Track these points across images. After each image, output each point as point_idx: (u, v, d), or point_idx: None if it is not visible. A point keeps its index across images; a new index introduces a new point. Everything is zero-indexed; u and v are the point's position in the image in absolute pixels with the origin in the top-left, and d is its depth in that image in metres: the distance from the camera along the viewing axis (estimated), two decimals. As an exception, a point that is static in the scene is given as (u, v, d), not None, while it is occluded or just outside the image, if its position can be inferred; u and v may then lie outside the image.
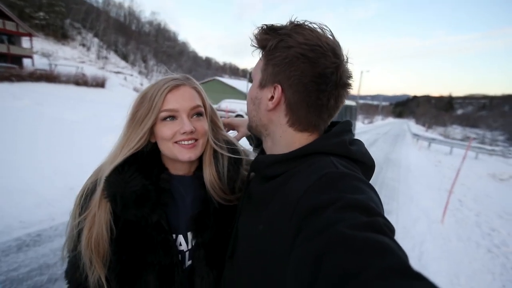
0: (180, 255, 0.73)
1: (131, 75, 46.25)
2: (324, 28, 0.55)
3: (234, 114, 13.96)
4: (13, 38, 24.37)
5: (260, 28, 0.58)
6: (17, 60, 23.43)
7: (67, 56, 37.39)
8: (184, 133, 0.68)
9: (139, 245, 0.68)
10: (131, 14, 70.04)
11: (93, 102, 13.98)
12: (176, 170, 0.77)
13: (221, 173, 0.77)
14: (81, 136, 6.21)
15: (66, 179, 3.87)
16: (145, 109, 0.68)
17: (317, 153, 0.55)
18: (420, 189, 6.52)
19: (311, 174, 0.49)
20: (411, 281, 0.28)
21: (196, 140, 0.71)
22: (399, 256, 0.31)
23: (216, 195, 0.76)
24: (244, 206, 0.68)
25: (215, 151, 0.79)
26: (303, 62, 0.53)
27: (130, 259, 0.68)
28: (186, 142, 0.70)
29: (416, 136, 18.98)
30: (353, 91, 0.60)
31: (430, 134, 29.67)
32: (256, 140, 0.98)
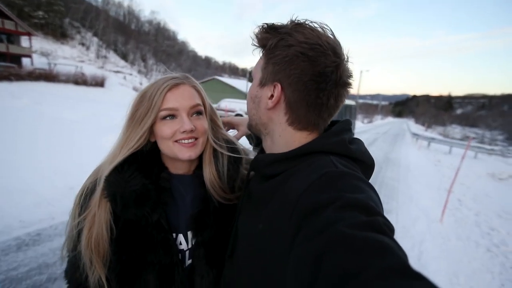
0: (180, 254, 0.73)
1: (131, 74, 46.18)
2: (324, 27, 0.55)
3: (233, 114, 13.96)
4: (12, 37, 24.30)
5: (260, 27, 0.58)
6: (16, 59, 23.38)
7: (66, 55, 37.32)
8: (184, 132, 0.68)
9: (139, 244, 0.68)
10: (131, 13, 69.91)
11: (93, 101, 13.98)
12: (176, 169, 0.77)
13: (221, 172, 0.77)
14: (80, 136, 6.21)
15: (65, 179, 3.87)
16: (145, 108, 0.68)
17: (316, 152, 0.54)
18: (419, 188, 6.53)
19: (310, 173, 0.49)
20: (412, 281, 0.27)
21: (196, 138, 0.71)
22: (399, 256, 0.31)
23: (216, 194, 0.76)
24: (244, 205, 0.68)
25: (215, 150, 0.79)
26: (303, 61, 0.53)
27: (130, 258, 0.68)
28: (186, 141, 0.70)
29: (415, 135, 19.00)
30: (353, 90, 0.60)
31: (430, 133, 29.71)
32: (256, 139, 0.98)
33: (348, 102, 8.13)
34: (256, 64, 0.63)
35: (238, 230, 0.66)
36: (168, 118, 0.69)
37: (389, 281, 0.27)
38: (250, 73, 0.66)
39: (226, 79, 36.56)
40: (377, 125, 38.02)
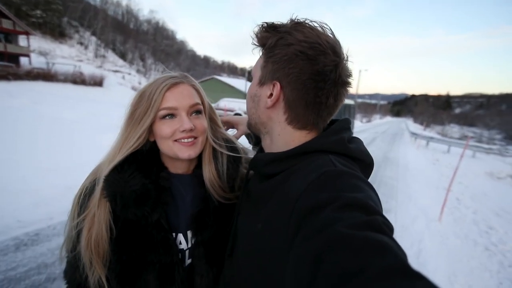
0: (180, 254, 0.73)
1: (129, 73, 46.03)
2: (324, 27, 0.55)
3: (232, 113, 13.95)
4: (10, 37, 24.18)
5: (260, 26, 0.58)
6: (14, 58, 23.28)
7: (64, 55, 37.14)
8: (183, 131, 0.68)
9: (139, 244, 0.68)
10: (129, 13, 69.65)
11: (92, 101, 13.94)
12: (176, 168, 0.77)
13: (221, 171, 0.77)
14: (80, 135, 6.19)
15: (64, 178, 3.86)
16: (144, 107, 0.68)
17: (316, 151, 0.54)
18: (418, 187, 6.55)
19: (310, 173, 0.49)
20: (412, 280, 0.27)
21: (195, 138, 0.71)
22: (399, 255, 0.31)
23: (216, 193, 0.76)
24: (243, 204, 0.68)
25: (214, 149, 0.79)
26: (302, 60, 0.53)
27: (130, 258, 0.68)
28: (185, 140, 0.70)
29: (414, 134, 19.05)
30: (352, 90, 0.60)
31: (428, 132, 29.78)
32: (255, 138, 0.97)
33: (347, 101, 8.13)
34: (256, 63, 0.62)
35: (238, 230, 0.66)
36: (167, 117, 0.69)
37: (390, 281, 0.27)
38: (249, 72, 0.66)
39: (225, 79, 36.50)
40: (376, 125, 38.09)
